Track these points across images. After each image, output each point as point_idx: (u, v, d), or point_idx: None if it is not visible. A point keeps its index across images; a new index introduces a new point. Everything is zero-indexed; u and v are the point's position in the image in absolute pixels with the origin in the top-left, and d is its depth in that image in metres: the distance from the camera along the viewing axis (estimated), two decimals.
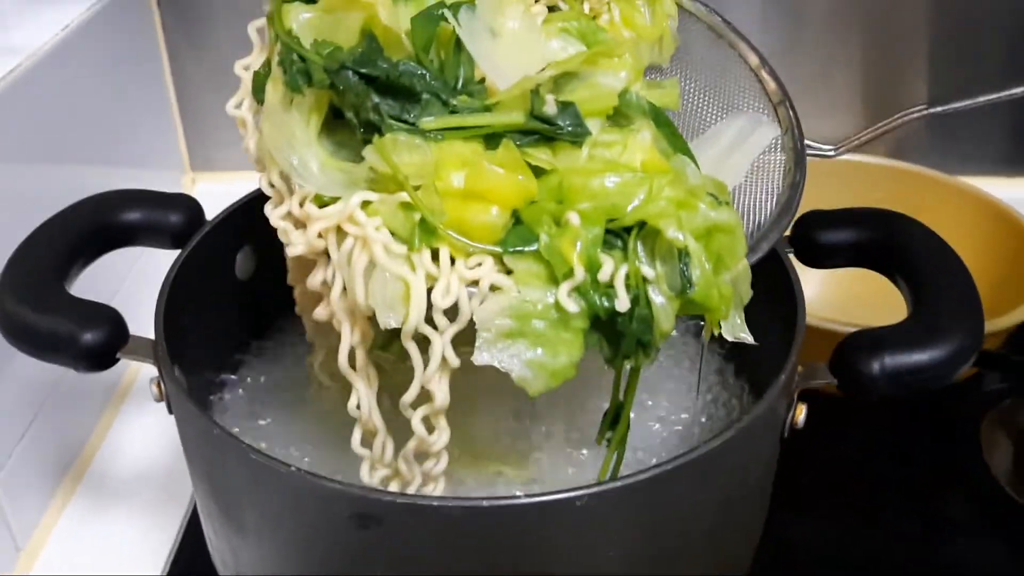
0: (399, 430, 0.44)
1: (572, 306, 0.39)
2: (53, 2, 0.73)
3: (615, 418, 0.47)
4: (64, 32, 0.69)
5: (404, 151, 0.41)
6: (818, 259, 0.54)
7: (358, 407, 0.43)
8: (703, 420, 0.56)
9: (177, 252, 0.54)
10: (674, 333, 0.62)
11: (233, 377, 0.59)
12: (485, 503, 0.38)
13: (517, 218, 0.41)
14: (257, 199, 0.56)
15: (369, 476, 0.45)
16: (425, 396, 0.42)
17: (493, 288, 0.40)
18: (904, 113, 0.63)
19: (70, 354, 0.47)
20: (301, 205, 0.42)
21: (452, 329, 0.40)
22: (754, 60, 0.55)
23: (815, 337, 0.59)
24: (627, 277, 0.40)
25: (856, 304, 0.71)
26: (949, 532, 0.63)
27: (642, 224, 0.41)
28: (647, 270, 0.40)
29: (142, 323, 0.51)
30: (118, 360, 0.48)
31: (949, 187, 0.82)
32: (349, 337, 0.42)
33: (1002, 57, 0.85)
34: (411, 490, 0.44)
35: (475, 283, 0.40)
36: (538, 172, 0.42)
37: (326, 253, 0.42)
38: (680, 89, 0.52)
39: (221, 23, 0.85)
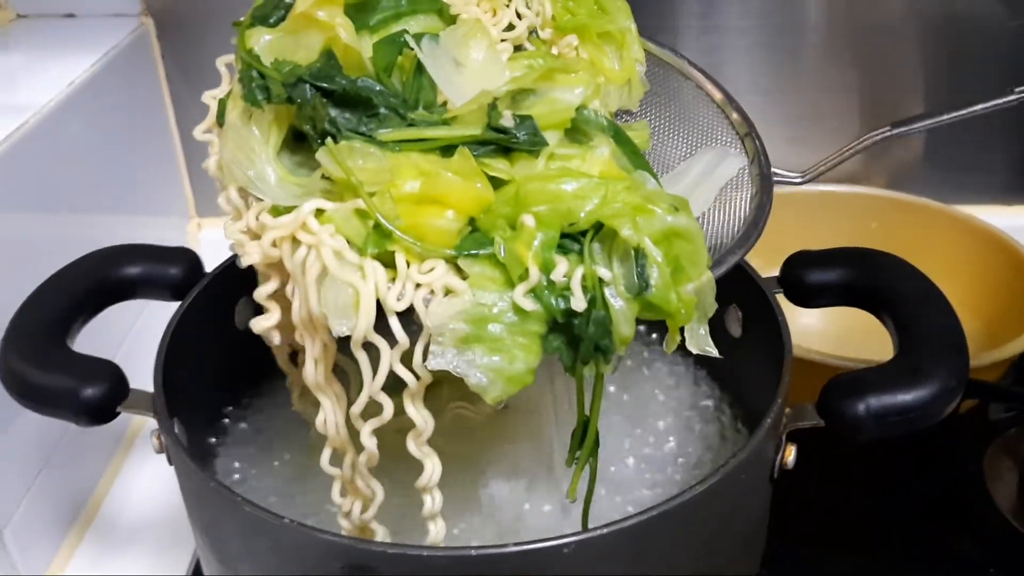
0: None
1: (528, 304, 0.39)
2: (59, 59, 0.75)
3: (584, 435, 0.45)
4: (69, 88, 0.71)
5: (359, 157, 0.41)
6: (806, 299, 0.54)
7: (325, 423, 0.43)
8: (695, 461, 0.57)
9: (177, 304, 0.55)
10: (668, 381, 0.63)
11: (234, 424, 0.60)
12: (473, 552, 0.39)
13: (474, 227, 0.42)
14: None
15: (340, 496, 0.45)
16: (375, 408, 0.42)
17: (448, 292, 0.40)
18: (868, 136, 0.64)
19: (71, 409, 0.48)
20: (257, 218, 0.42)
21: (402, 340, 0.40)
22: (719, 96, 0.56)
23: (810, 371, 0.60)
24: (583, 279, 0.40)
25: (857, 336, 0.71)
26: (954, 566, 0.63)
27: (599, 226, 0.41)
28: (603, 271, 0.40)
29: (147, 374, 0.51)
30: (118, 414, 0.49)
31: (947, 217, 0.82)
32: (311, 350, 0.42)
33: (978, 82, 0.86)
34: (372, 509, 0.45)
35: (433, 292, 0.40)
36: (496, 184, 0.42)
37: (280, 266, 0.42)
38: (650, 129, 0.53)
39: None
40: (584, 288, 0.40)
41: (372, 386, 0.41)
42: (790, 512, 0.55)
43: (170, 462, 0.49)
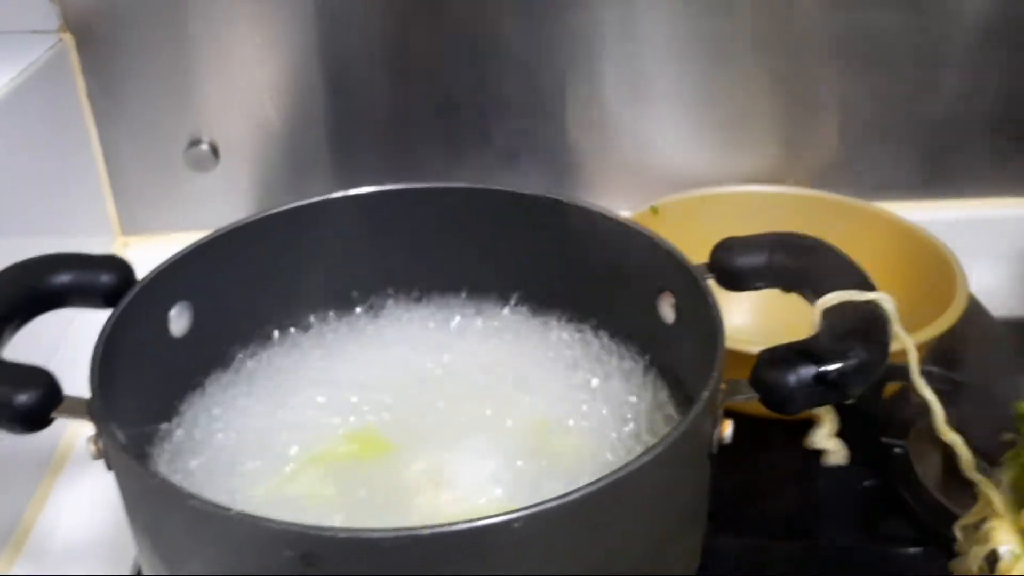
0: None
1: None
2: None
3: None
4: None
5: None
6: (735, 282, 0.56)
7: None
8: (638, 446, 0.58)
9: (109, 311, 0.54)
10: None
11: (170, 432, 0.59)
12: (424, 532, 0.39)
13: None
14: (188, 256, 0.58)
15: None
16: None
17: None
18: None
19: (4, 417, 0.47)
20: None
21: None
22: None
23: (740, 362, 0.61)
24: None
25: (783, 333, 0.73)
26: (888, 545, 0.65)
27: None
28: None
29: (79, 383, 0.50)
30: (53, 420, 0.48)
31: (863, 212, 0.86)
32: None
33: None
34: None
35: None
36: None
37: None
38: None
39: (144, 86, 0.86)
40: None
41: None
42: (725, 503, 0.56)
43: (109, 467, 0.48)
